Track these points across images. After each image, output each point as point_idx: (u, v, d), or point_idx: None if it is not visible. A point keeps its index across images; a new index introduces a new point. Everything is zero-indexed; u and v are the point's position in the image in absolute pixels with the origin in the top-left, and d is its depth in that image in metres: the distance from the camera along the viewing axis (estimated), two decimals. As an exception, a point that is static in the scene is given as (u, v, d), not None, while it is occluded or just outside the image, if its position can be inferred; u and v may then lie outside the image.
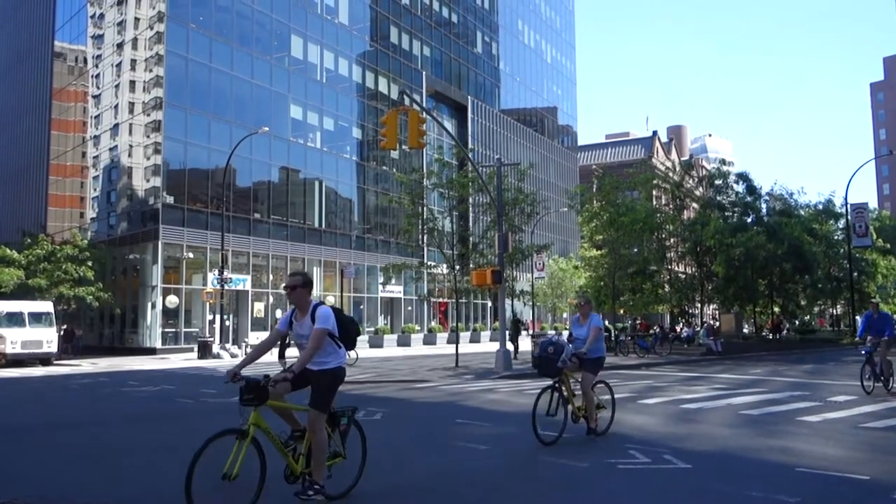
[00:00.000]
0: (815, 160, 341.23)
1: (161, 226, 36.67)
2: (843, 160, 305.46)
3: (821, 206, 43.82)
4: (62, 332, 36.86)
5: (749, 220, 38.84)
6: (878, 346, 14.30)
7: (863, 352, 14.50)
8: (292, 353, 6.21)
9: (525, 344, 33.09)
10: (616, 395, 14.30)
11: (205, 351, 31.85)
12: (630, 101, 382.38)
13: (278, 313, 41.89)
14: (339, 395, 6.35)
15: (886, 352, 14.40)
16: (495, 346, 21.38)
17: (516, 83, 73.49)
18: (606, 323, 40.52)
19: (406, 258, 36.23)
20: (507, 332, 28.06)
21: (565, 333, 11.12)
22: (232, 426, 5.55)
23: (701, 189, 41.41)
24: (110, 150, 42.26)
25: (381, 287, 49.90)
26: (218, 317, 35.74)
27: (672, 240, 38.69)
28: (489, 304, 57.76)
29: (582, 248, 50.50)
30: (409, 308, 52.68)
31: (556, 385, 8.79)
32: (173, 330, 37.67)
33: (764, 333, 43.76)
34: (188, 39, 38.83)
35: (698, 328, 37.82)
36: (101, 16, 44.21)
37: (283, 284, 6.40)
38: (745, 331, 46.11)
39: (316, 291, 45.20)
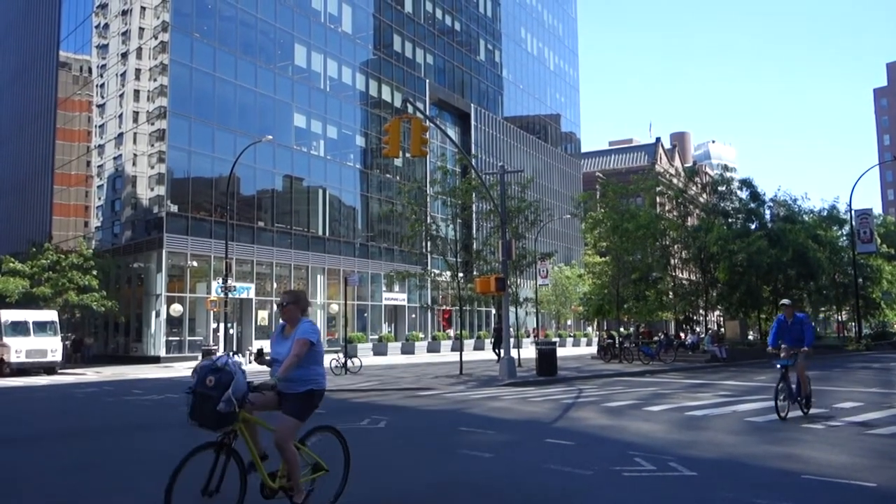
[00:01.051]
0: (819, 166, 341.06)
1: (165, 234, 36.75)
2: (846, 166, 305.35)
3: (825, 212, 43.72)
4: (71, 341, 36.94)
5: (753, 226, 38.74)
6: (795, 357, 11.78)
7: (777, 365, 11.84)
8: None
9: (528, 352, 33.03)
10: (621, 402, 14.28)
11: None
12: (633, 107, 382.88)
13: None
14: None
15: (805, 365, 11.84)
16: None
17: (519, 91, 73.63)
18: (613, 331, 40.50)
19: (410, 266, 36.28)
20: (491, 341, 28.05)
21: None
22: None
23: (704, 195, 41.36)
24: (114, 159, 42.41)
25: (384, 295, 49.91)
26: (222, 325, 35.75)
27: (675, 246, 38.63)
28: (493, 311, 57.73)
29: (585, 255, 50.52)
30: (413, 316, 52.65)
31: (224, 442, 5.41)
32: (177, 338, 37.70)
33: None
34: (192, 49, 39.00)
35: (703, 335, 37.72)
36: (106, 26, 44.46)
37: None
38: (750, 337, 45.96)
39: (320, 299, 45.27)
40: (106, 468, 8.41)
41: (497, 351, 32.40)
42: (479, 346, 53.81)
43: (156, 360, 36.13)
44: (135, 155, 40.26)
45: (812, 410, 12.13)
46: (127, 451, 9.64)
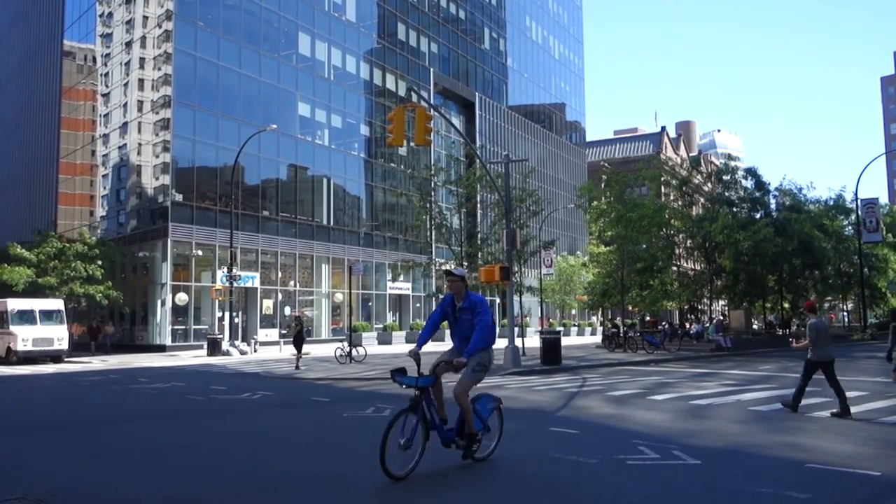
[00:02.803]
0: (825, 155, 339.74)
1: (170, 223, 36.81)
2: (853, 155, 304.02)
3: (831, 202, 43.62)
4: (87, 328, 37.13)
5: (758, 215, 38.68)
6: (453, 368, 7.10)
7: (402, 384, 6.84)
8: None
9: (532, 341, 33.07)
10: (625, 391, 14.37)
11: (214, 348, 31.96)
12: (638, 96, 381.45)
13: (287, 310, 42.05)
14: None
15: (467, 387, 7.07)
16: (504, 342, 21.44)
17: (524, 79, 73.34)
18: (617, 320, 40.50)
19: (414, 255, 36.28)
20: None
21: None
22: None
23: (709, 185, 41.28)
24: (119, 148, 42.44)
25: (389, 284, 49.96)
26: (227, 314, 35.85)
27: (680, 236, 38.58)
28: (497, 300, 57.78)
29: (590, 245, 50.44)
30: (418, 305, 52.73)
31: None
32: (183, 327, 37.83)
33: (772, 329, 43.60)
34: (196, 37, 38.91)
35: (707, 324, 37.71)
36: (110, 14, 44.38)
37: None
38: (755, 327, 45.94)
39: (325, 288, 45.37)
40: (113, 456, 8.46)
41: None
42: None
43: (161, 348, 36.28)
44: (139, 144, 40.28)
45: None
46: (135, 440, 9.69)
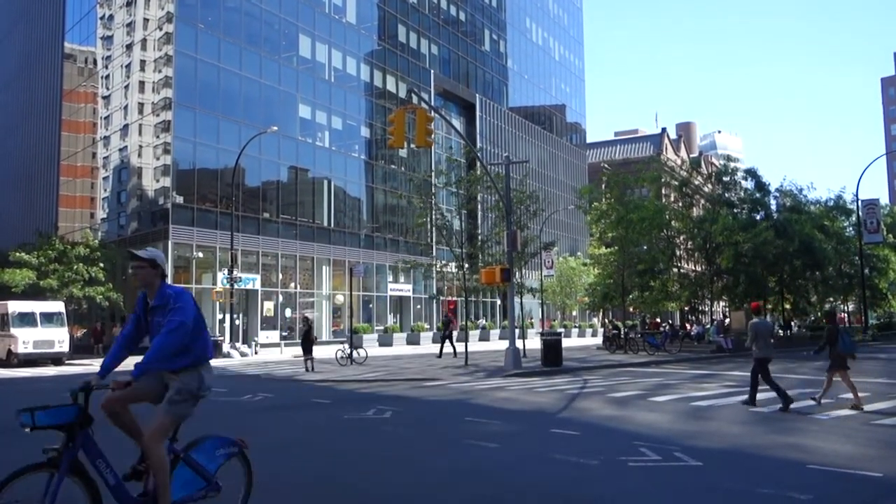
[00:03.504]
0: (826, 156, 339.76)
1: (171, 225, 36.81)
2: (853, 156, 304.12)
3: (831, 203, 43.59)
4: (90, 329, 37.07)
5: (758, 216, 38.66)
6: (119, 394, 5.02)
7: (26, 426, 4.91)
8: None
9: (533, 342, 33.06)
10: (626, 393, 14.38)
11: (215, 350, 31.96)
12: (639, 97, 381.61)
13: (287, 312, 42.03)
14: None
15: (165, 424, 5.09)
16: (505, 343, 21.42)
17: (524, 81, 73.38)
18: (618, 321, 40.50)
19: (415, 256, 36.28)
20: (440, 333, 27.22)
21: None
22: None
23: (710, 186, 41.26)
24: (120, 150, 42.45)
25: (390, 285, 49.96)
26: (228, 316, 35.84)
27: (681, 237, 38.56)
28: (498, 302, 57.78)
29: (591, 246, 50.46)
30: (419, 306, 52.71)
31: None
32: (183, 329, 37.72)
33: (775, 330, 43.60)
34: (197, 40, 38.94)
35: (708, 325, 37.68)
36: (111, 17, 44.41)
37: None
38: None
39: (325, 290, 45.37)
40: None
41: (443, 345, 28.94)
42: (483, 337, 53.92)
43: (162, 350, 36.19)
44: (140, 146, 40.29)
45: None
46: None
